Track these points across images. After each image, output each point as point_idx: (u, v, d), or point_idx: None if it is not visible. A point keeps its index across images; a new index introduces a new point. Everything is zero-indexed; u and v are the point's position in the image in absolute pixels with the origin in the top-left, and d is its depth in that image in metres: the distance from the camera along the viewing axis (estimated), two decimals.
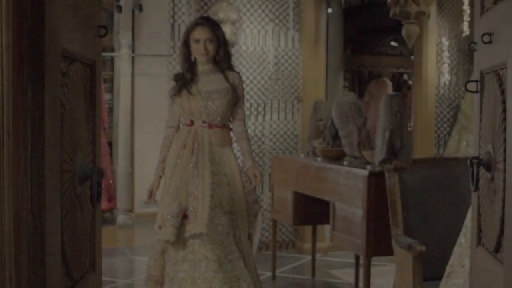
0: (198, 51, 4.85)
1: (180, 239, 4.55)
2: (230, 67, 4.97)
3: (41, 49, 1.69)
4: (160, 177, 4.90)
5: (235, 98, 4.90)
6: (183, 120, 4.94)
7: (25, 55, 1.65)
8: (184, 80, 4.86)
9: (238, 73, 5.07)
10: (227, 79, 4.88)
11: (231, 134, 4.99)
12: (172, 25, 7.67)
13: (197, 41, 4.83)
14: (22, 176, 1.67)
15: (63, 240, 1.94)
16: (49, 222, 1.77)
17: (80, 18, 2.08)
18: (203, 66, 4.90)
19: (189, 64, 4.91)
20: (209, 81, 4.86)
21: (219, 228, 4.60)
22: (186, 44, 4.92)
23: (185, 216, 4.57)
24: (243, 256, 4.71)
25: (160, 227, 4.58)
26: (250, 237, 4.89)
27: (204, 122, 4.80)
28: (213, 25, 4.94)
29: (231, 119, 4.97)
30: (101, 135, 2.47)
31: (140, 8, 8.98)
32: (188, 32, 4.94)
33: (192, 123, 4.83)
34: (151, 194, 4.91)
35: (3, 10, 1.59)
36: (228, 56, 4.97)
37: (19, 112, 1.64)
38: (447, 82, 8.35)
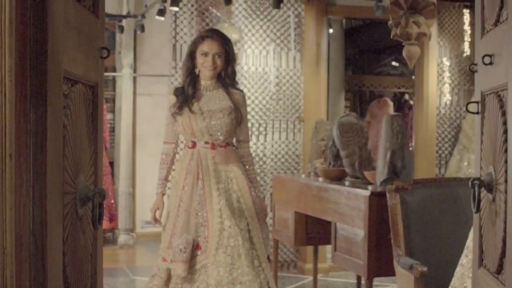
0: (205, 64, 4.61)
1: (193, 270, 4.43)
2: (234, 85, 4.75)
3: (43, 71, 1.70)
4: (163, 195, 4.70)
5: (239, 117, 4.67)
6: (185, 142, 4.77)
7: (28, 78, 1.66)
8: (185, 96, 4.63)
9: (242, 91, 4.87)
10: (230, 97, 4.66)
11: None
12: (174, 45, 7.71)
13: (206, 54, 4.60)
14: (23, 198, 1.68)
15: (65, 261, 1.94)
16: (50, 243, 1.77)
17: (83, 40, 2.09)
18: (206, 81, 4.68)
19: (192, 78, 4.68)
20: (211, 98, 4.64)
21: (227, 250, 4.39)
22: (192, 56, 4.69)
23: (197, 247, 4.44)
24: (261, 279, 4.47)
25: (171, 261, 4.44)
26: (269, 259, 4.67)
27: (206, 142, 4.60)
28: (223, 39, 4.68)
29: (235, 140, 4.76)
30: (102, 155, 2.47)
31: (142, 29, 9.01)
32: (196, 43, 4.68)
33: (194, 144, 4.63)
34: (155, 215, 4.68)
35: (6, 33, 1.60)
36: (234, 73, 4.75)
37: (21, 134, 1.65)
38: (448, 102, 8.37)
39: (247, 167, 4.76)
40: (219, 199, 4.46)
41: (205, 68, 4.63)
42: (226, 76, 4.70)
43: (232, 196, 4.55)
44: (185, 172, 4.59)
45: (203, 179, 4.51)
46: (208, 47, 4.60)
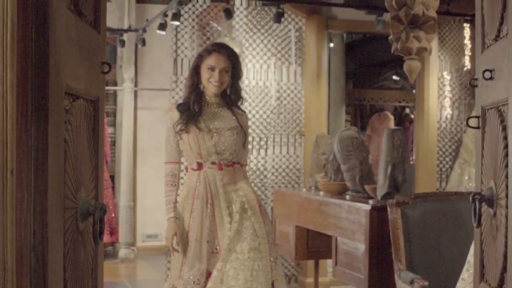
0: (211, 80, 4.31)
1: None
2: (239, 103, 4.50)
3: (45, 87, 1.70)
4: (176, 218, 4.27)
5: (243, 139, 4.39)
6: (188, 163, 4.41)
7: (29, 93, 1.66)
8: (191, 112, 4.31)
9: (245, 112, 4.61)
10: (237, 118, 4.40)
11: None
12: (175, 60, 7.71)
13: (212, 68, 4.30)
14: (25, 213, 1.68)
15: (65, 276, 1.94)
16: (51, 258, 1.77)
17: (84, 55, 2.09)
18: (211, 98, 4.38)
19: (197, 94, 4.37)
20: (217, 116, 4.36)
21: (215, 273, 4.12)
22: (197, 70, 4.38)
23: (209, 276, 4.13)
24: None
25: None
26: (273, 286, 4.26)
27: (213, 163, 4.29)
28: (231, 54, 4.40)
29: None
30: (103, 170, 2.47)
31: (143, 43, 9.04)
32: (202, 57, 4.38)
33: (200, 166, 4.31)
34: (172, 243, 4.26)
35: (8, 48, 1.61)
36: (240, 90, 4.50)
37: (22, 150, 1.65)
38: (449, 116, 8.38)
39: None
40: (230, 226, 4.19)
41: (210, 84, 4.33)
42: (233, 93, 4.45)
43: (245, 215, 4.23)
44: (192, 196, 4.28)
45: (213, 204, 4.23)
46: (215, 61, 4.32)
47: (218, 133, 4.29)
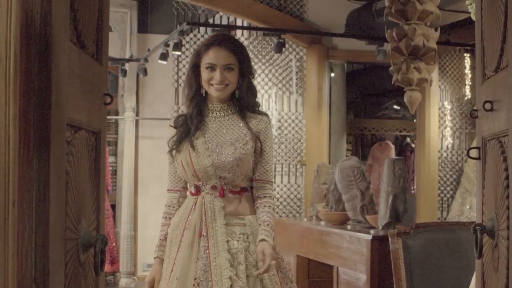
0: (212, 81, 3.41)
1: None
2: (254, 107, 3.54)
3: (47, 119, 1.71)
4: (162, 260, 3.48)
5: (258, 149, 3.43)
6: (188, 186, 3.54)
7: (31, 125, 1.67)
8: (188, 127, 3.46)
9: (266, 115, 3.58)
10: (247, 123, 3.45)
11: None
12: (176, 89, 7.74)
13: (212, 67, 3.40)
14: (26, 245, 1.67)
15: None
16: None
17: (86, 87, 2.10)
18: (216, 105, 3.49)
19: (198, 101, 3.49)
20: (222, 127, 3.45)
21: None
22: (195, 71, 3.50)
23: None
24: None
25: None
26: None
27: (213, 187, 3.38)
28: (235, 46, 3.48)
29: (253, 179, 3.50)
30: (105, 200, 2.47)
31: (145, 72, 9.07)
32: (200, 54, 3.49)
33: (198, 190, 3.43)
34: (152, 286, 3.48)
35: (10, 81, 1.61)
36: (253, 91, 3.54)
37: (24, 181, 1.65)
38: (449, 146, 8.39)
39: (262, 209, 3.43)
40: (229, 264, 3.29)
41: (212, 87, 3.43)
42: (243, 95, 3.49)
43: (249, 259, 3.35)
44: (183, 227, 3.42)
45: (207, 236, 3.33)
46: (215, 57, 3.41)
47: (217, 150, 3.39)
